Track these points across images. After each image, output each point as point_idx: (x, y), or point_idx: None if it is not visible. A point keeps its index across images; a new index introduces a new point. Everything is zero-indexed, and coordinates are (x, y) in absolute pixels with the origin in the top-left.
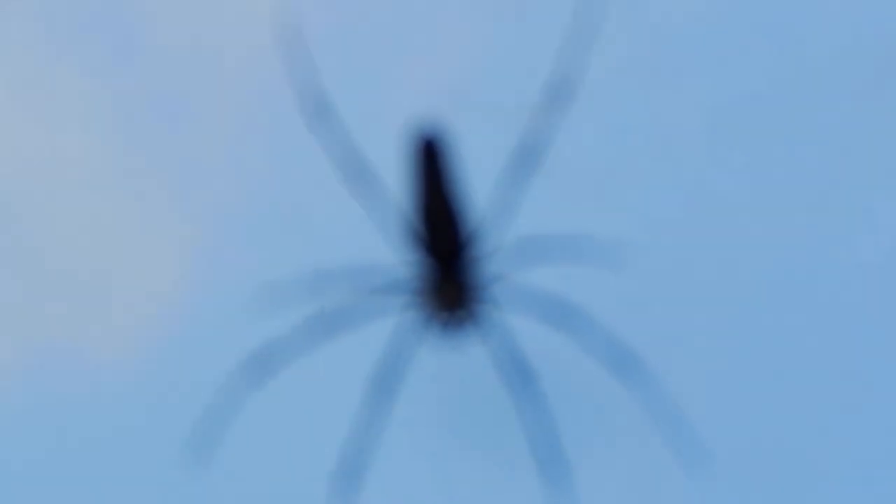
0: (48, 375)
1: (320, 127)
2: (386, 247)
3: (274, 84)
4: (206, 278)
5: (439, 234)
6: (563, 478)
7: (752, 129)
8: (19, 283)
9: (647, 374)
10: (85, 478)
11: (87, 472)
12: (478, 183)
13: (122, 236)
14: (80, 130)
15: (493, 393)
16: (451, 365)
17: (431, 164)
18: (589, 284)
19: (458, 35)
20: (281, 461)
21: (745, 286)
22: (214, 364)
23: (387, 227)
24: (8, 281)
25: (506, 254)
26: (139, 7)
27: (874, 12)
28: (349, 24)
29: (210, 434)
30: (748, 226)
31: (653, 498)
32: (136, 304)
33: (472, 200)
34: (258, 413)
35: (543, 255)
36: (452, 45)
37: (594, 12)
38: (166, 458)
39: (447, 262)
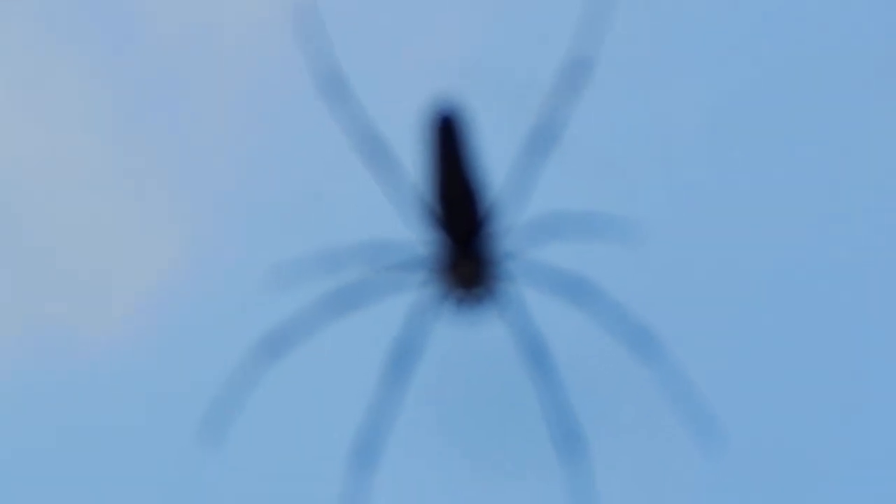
0: (52, 362)
1: (335, 104)
2: (402, 224)
3: (287, 61)
4: (218, 258)
5: (455, 212)
6: (579, 455)
7: (772, 108)
8: (21, 271)
9: (663, 351)
10: (89, 463)
11: (91, 457)
12: (494, 161)
13: (129, 215)
14: (78, 117)
15: (508, 372)
16: (466, 343)
17: (448, 141)
18: (605, 261)
19: (476, 13)
20: (297, 441)
21: (760, 265)
22: (228, 344)
23: (403, 205)
24: (9, 269)
25: (522, 231)
26: None
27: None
28: (365, 1)
29: (224, 414)
30: (765, 204)
31: (667, 475)
32: (142, 283)
33: (488, 178)
34: (273, 393)
35: (559, 232)
36: (470, 24)
37: None
38: (176, 440)
39: (463, 240)
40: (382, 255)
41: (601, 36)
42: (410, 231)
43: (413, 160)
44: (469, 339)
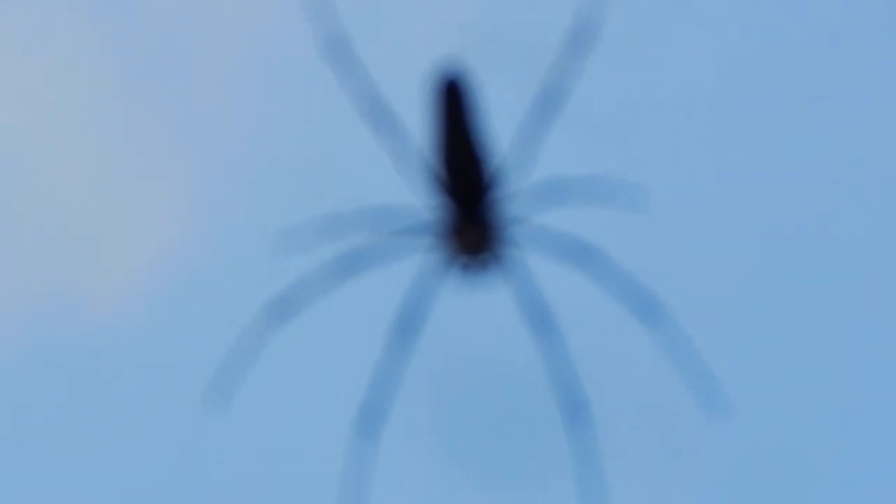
0: (59, 323)
1: (340, 68)
2: (408, 189)
3: (292, 25)
4: (225, 223)
5: (461, 177)
6: (583, 422)
7: (772, 73)
8: (28, 240)
9: (668, 317)
10: (96, 428)
11: (99, 421)
12: (499, 125)
13: (132, 184)
14: (80, 83)
15: (513, 338)
16: (471, 308)
17: (453, 106)
18: (611, 227)
19: None
20: (302, 406)
21: (767, 231)
22: (232, 308)
23: (408, 170)
24: (17, 239)
25: (527, 196)
26: None
27: None
28: None
29: (231, 377)
30: (773, 169)
31: (672, 443)
32: (150, 248)
33: (493, 143)
34: (279, 357)
35: (565, 197)
36: None
37: None
38: (183, 402)
39: (469, 205)
40: (388, 220)
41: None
42: (416, 196)
43: (418, 125)
44: (474, 305)
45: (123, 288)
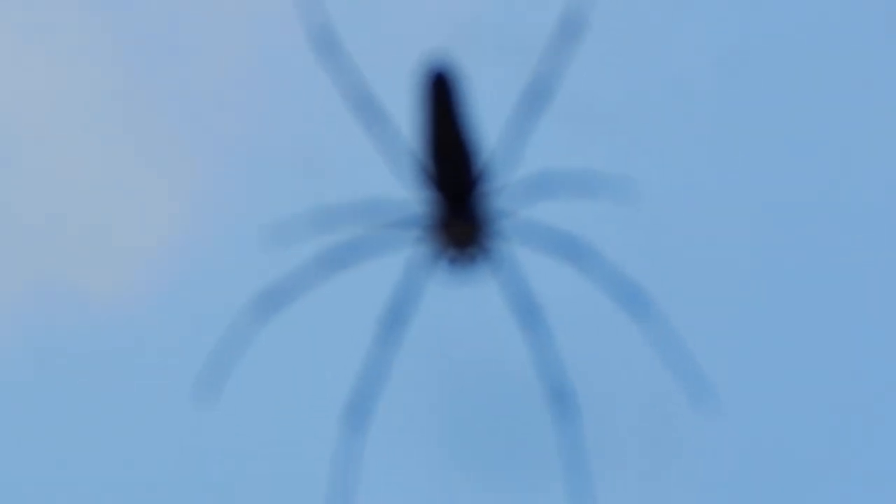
0: (58, 312)
1: (329, 61)
2: (397, 183)
3: (282, 20)
4: (216, 216)
5: (449, 171)
6: (569, 411)
7: (761, 67)
8: (34, 229)
9: (654, 309)
10: (96, 411)
11: (98, 406)
12: (488, 119)
13: (129, 176)
14: (88, 77)
15: (501, 329)
16: (459, 301)
17: (442, 99)
18: (598, 220)
19: None
20: (291, 397)
21: (751, 224)
22: (223, 301)
23: (397, 163)
24: (18, 221)
25: (515, 189)
26: None
27: None
28: None
29: (220, 370)
30: (756, 162)
31: (657, 433)
32: (142, 242)
33: (482, 136)
34: (268, 348)
35: (553, 191)
36: None
37: None
38: (174, 393)
39: (457, 199)
40: (377, 213)
41: None
42: (405, 189)
43: (407, 118)
44: (462, 298)
45: (124, 279)
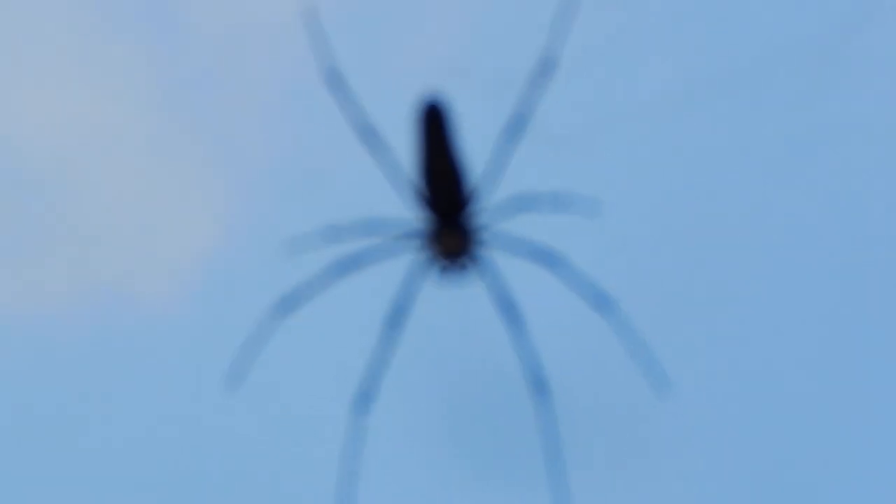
0: (108, 311)
1: (339, 98)
2: (398, 202)
3: (300, 64)
4: (244, 230)
5: (441, 192)
6: (545, 398)
7: (715, 99)
8: (87, 239)
9: (617, 307)
10: (140, 397)
11: (141, 392)
12: (474, 147)
13: (171, 196)
14: (139, 109)
15: (486, 325)
16: (451, 301)
17: (435, 130)
18: (569, 232)
19: (460, 19)
20: (307, 384)
21: (700, 232)
22: (250, 302)
23: (398, 186)
24: (77, 237)
25: (498, 207)
26: (181, 4)
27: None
28: (362, 8)
29: (246, 361)
30: (705, 182)
31: (621, 414)
32: (182, 252)
33: (469, 162)
34: (289, 342)
35: (529, 208)
36: (455, 28)
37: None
38: (208, 379)
39: (448, 216)
40: (381, 228)
41: (565, 39)
42: (405, 207)
43: (406, 147)
44: (454, 299)
45: (166, 284)
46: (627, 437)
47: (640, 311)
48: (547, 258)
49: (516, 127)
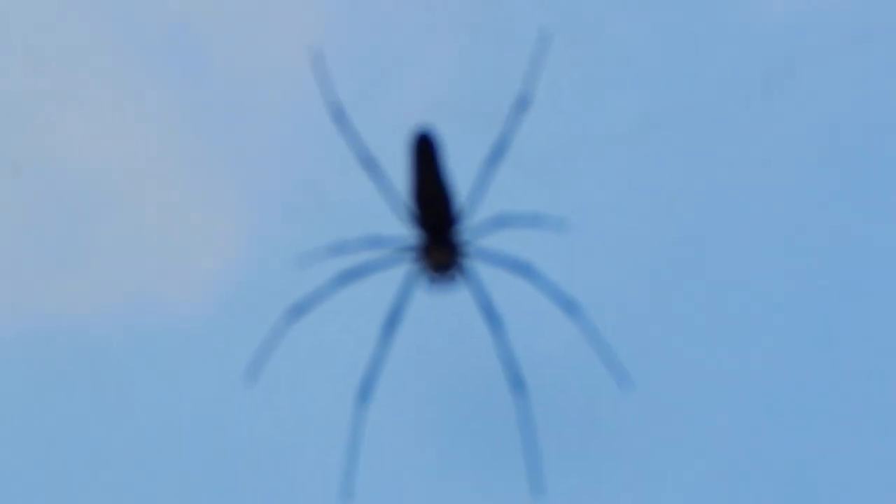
0: (138, 317)
1: (342, 130)
2: (394, 221)
3: (307, 100)
4: (259, 245)
5: (431, 212)
6: (522, 394)
7: (675, 127)
8: (117, 251)
9: (582, 310)
10: (165, 395)
11: (167, 391)
12: (460, 172)
13: (197, 214)
14: (170, 135)
15: (470, 328)
16: (440, 306)
17: (425, 157)
18: (541, 247)
19: (447, 60)
20: (316, 379)
21: (661, 247)
22: (264, 308)
23: (395, 206)
24: (108, 249)
25: (481, 225)
26: (198, 45)
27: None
28: (362, 52)
29: (261, 360)
30: (673, 202)
31: (587, 406)
32: (206, 264)
33: (455, 185)
34: (299, 344)
35: (507, 226)
36: (443, 68)
37: (546, 44)
38: (228, 377)
39: (437, 233)
40: (381, 243)
41: (538, 79)
42: (401, 225)
43: (401, 172)
44: (442, 304)
45: (189, 292)
46: (594, 426)
47: (600, 313)
48: (522, 269)
49: (496, 155)
